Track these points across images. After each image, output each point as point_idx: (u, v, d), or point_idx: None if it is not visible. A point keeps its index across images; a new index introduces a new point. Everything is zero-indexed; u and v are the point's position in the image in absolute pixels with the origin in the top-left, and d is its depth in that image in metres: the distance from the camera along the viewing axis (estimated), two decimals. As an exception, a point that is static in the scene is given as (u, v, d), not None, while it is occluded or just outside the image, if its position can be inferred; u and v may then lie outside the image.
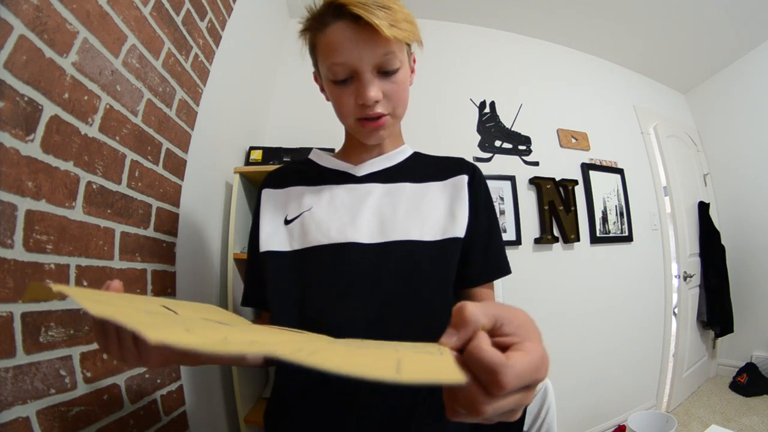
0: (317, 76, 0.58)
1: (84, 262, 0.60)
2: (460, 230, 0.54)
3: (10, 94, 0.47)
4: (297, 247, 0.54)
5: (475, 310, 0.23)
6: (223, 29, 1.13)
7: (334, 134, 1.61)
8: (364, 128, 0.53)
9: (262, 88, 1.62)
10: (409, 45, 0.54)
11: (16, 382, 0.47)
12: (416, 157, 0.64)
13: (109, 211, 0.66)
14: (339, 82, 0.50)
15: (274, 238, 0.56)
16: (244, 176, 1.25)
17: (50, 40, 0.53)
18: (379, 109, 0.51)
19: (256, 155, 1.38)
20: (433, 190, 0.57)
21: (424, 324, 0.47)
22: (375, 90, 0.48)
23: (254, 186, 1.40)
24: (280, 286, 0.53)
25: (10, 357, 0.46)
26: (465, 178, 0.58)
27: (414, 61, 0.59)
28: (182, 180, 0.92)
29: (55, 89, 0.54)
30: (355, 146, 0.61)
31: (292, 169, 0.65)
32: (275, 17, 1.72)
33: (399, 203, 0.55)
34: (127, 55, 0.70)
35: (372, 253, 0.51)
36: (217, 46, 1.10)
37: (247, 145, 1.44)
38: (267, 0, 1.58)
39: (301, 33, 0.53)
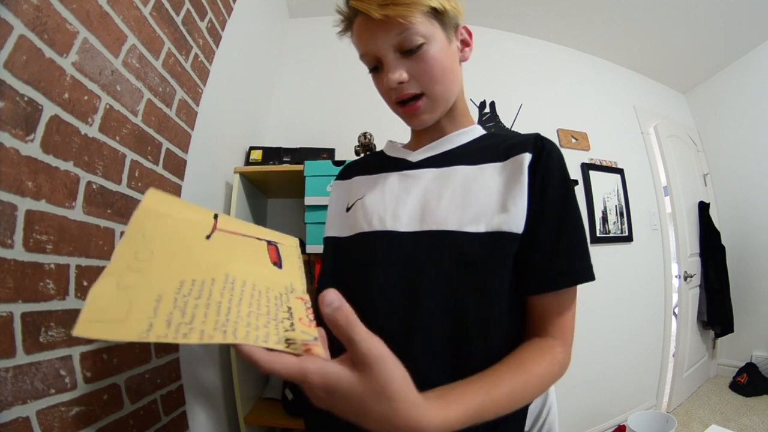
0: None
1: (84, 262, 0.60)
2: (514, 224, 0.44)
3: (10, 94, 0.47)
4: (348, 233, 0.56)
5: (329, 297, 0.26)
6: (223, 29, 1.13)
7: (334, 134, 1.63)
8: (405, 113, 0.52)
9: (262, 88, 1.62)
10: (441, 16, 0.48)
11: (16, 382, 0.47)
12: (485, 137, 0.56)
13: (109, 211, 0.66)
14: (372, 71, 0.51)
15: (335, 225, 0.59)
16: (244, 176, 1.25)
17: (50, 40, 0.53)
18: (409, 90, 0.49)
19: (256, 155, 1.38)
20: (489, 173, 0.49)
21: (452, 333, 0.43)
22: (397, 72, 0.47)
23: (254, 186, 1.40)
24: (326, 269, 0.57)
25: (10, 357, 0.46)
26: (527, 157, 0.48)
27: (468, 32, 0.54)
28: (182, 180, 0.92)
29: (55, 89, 0.54)
30: (417, 132, 0.59)
31: (362, 161, 0.66)
32: (275, 17, 1.72)
33: (446, 189, 0.49)
34: (127, 55, 0.70)
35: (406, 243, 0.47)
36: (217, 46, 1.10)
37: (247, 145, 1.44)
38: (267, 0, 1.58)
39: (339, 35, 0.54)
